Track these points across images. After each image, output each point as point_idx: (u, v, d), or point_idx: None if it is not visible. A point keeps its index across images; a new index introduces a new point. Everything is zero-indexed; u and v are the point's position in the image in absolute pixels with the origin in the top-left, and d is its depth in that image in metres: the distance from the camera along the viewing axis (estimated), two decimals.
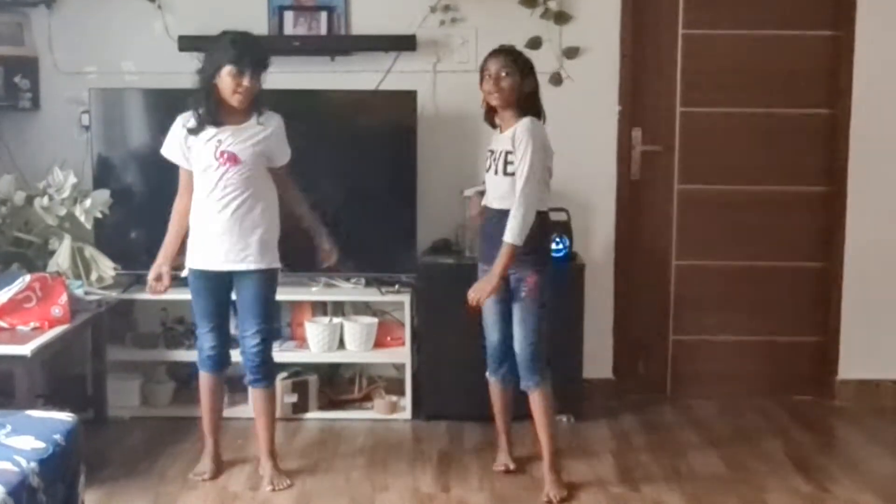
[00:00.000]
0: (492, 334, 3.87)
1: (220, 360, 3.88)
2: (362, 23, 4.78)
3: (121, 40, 4.79)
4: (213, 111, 3.62)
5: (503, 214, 3.65)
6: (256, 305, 3.75)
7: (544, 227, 3.81)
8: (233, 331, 3.99)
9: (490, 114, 3.83)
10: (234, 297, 3.84)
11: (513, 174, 3.65)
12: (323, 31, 4.78)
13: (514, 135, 3.66)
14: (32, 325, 3.90)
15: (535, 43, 4.74)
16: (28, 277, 3.99)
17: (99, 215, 4.38)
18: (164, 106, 4.28)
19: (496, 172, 3.72)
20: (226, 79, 3.57)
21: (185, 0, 4.74)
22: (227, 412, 4.24)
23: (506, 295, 3.76)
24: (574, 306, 4.50)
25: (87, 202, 4.34)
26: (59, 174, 4.36)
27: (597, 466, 4.09)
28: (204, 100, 3.62)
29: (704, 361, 5.01)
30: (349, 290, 4.72)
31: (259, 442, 3.91)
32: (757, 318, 4.98)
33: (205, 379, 3.91)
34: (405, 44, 4.70)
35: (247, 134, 3.66)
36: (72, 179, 4.35)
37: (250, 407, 4.10)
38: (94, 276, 4.35)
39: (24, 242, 4.38)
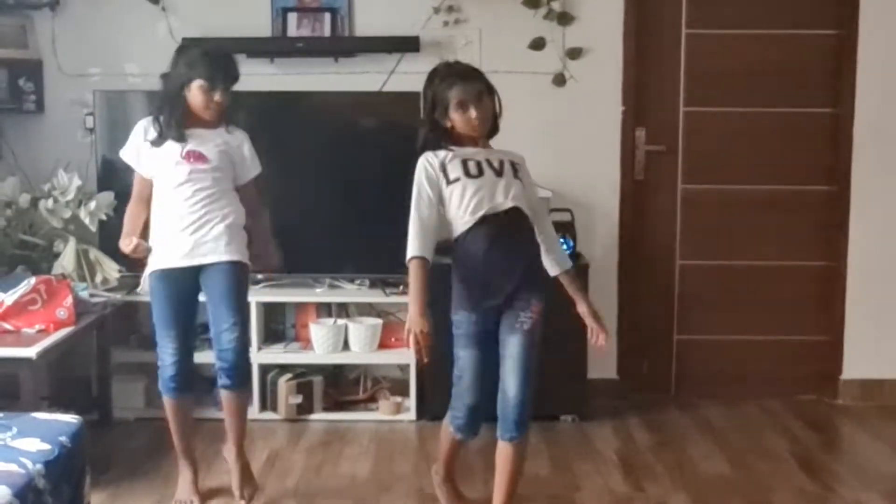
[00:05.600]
0: (477, 391, 3.29)
1: (184, 381, 3.60)
2: (366, 24, 4.79)
3: (125, 42, 4.80)
4: (179, 123, 3.51)
5: (527, 222, 3.27)
6: (231, 296, 3.53)
7: None
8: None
9: (444, 138, 3.31)
10: (202, 298, 3.63)
11: (521, 180, 3.30)
12: (326, 32, 4.78)
13: (518, 161, 3.34)
14: (38, 327, 3.91)
15: (538, 44, 4.75)
16: (33, 280, 3.99)
17: (103, 217, 4.39)
18: None
19: (500, 175, 3.23)
20: (196, 93, 3.48)
21: (188, 2, 4.75)
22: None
23: (496, 336, 3.28)
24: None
25: (92, 204, 4.36)
26: (63, 176, 4.37)
27: (601, 466, 4.09)
28: (170, 110, 3.51)
29: (708, 361, 5.01)
30: (353, 292, 4.72)
31: (229, 443, 3.73)
32: (761, 317, 4.98)
33: (170, 405, 3.64)
34: (409, 45, 4.70)
35: (211, 136, 3.56)
36: (76, 182, 4.37)
37: (255, 408, 4.11)
38: (98, 279, 4.36)
39: (29, 245, 4.40)
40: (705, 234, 4.96)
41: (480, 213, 3.20)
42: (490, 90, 3.32)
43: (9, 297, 3.91)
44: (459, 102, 3.24)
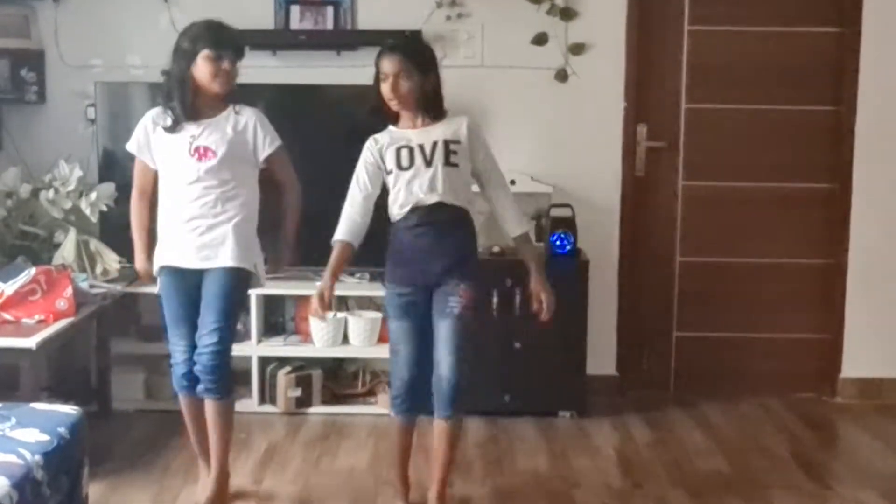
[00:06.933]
0: (412, 365, 3.41)
1: (196, 378, 3.46)
2: (368, 17, 4.78)
3: (127, 34, 4.79)
4: (189, 102, 3.41)
5: (456, 212, 3.35)
6: (218, 301, 3.42)
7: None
8: None
9: (381, 109, 3.42)
10: None
11: (457, 165, 3.33)
12: (329, 25, 4.78)
13: (462, 128, 3.36)
14: (37, 317, 3.91)
15: (540, 39, 4.74)
16: (33, 270, 4.00)
17: (104, 208, 4.39)
18: None
19: (430, 165, 3.31)
20: (203, 65, 3.38)
21: None
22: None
23: (426, 311, 3.40)
24: (578, 302, 4.50)
25: (93, 195, 4.36)
26: (64, 167, 4.37)
27: (600, 463, 4.10)
28: (179, 91, 3.40)
29: (708, 358, 5.01)
30: (353, 285, 4.72)
31: (211, 458, 3.56)
32: (761, 314, 4.98)
33: (184, 402, 3.55)
34: None
35: (221, 126, 3.45)
36: (77, 172, 4.37)
37: (254, 401, 4.09)
38: (99, 270, 4.37)
39: (29, 235, 4.40)
40: (706, 230, 4.96)
41: (407, 208, 3.36)
42: (420, 68, 3.32)
43: (9, 288, 3.91)
44: (381, 74, 3.34)
